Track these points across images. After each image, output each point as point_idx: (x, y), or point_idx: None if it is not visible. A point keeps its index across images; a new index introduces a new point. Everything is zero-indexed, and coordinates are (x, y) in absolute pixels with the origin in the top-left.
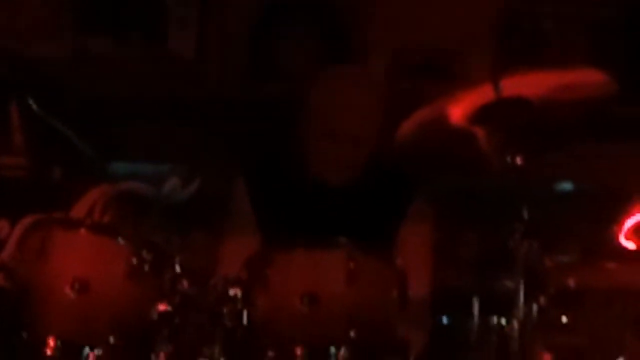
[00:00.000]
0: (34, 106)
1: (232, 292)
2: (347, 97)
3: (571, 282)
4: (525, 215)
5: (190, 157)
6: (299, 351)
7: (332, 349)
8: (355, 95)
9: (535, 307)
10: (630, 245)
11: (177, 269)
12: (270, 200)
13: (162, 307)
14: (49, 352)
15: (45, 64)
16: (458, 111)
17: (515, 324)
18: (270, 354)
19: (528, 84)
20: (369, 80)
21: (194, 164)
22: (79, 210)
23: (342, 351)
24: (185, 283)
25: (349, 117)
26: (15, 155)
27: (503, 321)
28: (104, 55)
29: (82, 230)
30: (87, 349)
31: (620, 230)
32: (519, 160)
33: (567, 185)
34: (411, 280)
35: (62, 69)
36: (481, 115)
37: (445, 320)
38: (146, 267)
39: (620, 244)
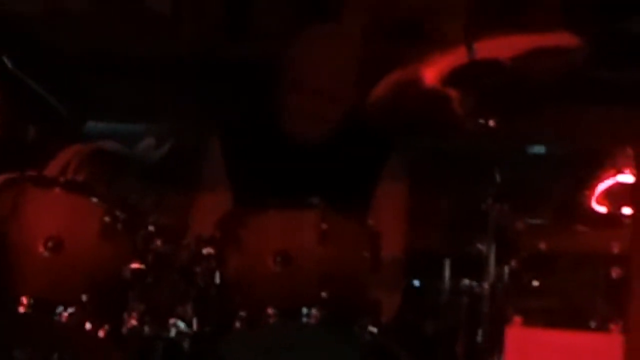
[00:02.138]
0: (8, 64)
1: (205, 251)
2: (320, 52)
3: (543, 246)
4: (498, 178)
5: (165, 116)
6: (270, 311)
7: (304, 309)
8: (329, 50)
9: (506, 270)
10: (602, 209)
11: (151, 228)
12: (244, 159)
13: (135, 265)
14: (22, 310)
15: (19, 21)
16: (432, 73)
17: (487, 287)
18: (242, 313)
19: (502, 47)
20: (344, 37)
21: (168, 123)
22: (52, 169)
23: (314, 311)
24: (158, 242)
25: (321, 70)
26: None
27: (474, 284)
28: (80, 12)
29: (56, 189)
30: (60, 307)
31: (592, 194)
32: (492, 123)
33: (539, 148)
34: (385, 242)
35: (37, 26)
36: (454, 77)
37: (416, 283)
38: (119, 226)
39: (591, 208)
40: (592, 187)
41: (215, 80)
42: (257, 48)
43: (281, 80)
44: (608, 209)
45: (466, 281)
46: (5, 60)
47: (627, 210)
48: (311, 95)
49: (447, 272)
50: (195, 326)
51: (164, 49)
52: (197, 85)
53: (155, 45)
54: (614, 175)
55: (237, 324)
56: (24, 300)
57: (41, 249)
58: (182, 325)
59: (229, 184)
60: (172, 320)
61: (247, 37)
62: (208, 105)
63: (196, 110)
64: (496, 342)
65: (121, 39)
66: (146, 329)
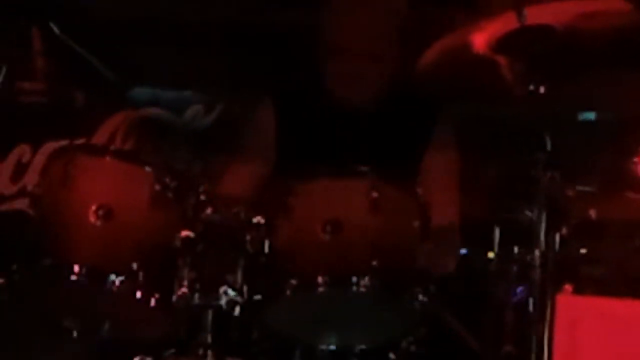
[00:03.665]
0: (56, 30)
1: (255, 219)
2: (358, 14)
3: (592, 213)
4: (548, 145)
5: (213, 83)
6: (320, 279)
7: (355, 278)
8: (367, 12)
9: (557, 238)
10: None
11: (201, 196)
12: (295, 127)
13: (185, 234)
14: (74, 278)
15: None
16: (481, 39)
17: (537, 255)
18: (293, 281)
19: (551, 12)
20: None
21: (216, 91)
22: (101, 136)
23: (365, 280)
24: (208, 210)
25: (361, 32)
26: (37, 80)
27: (524, 252)
28: None
29: (106, 158)
30: (111, 276)
31: None
32: (541, 89)
33: (589, 115)
34: (438, 210)
35: None
36: (504, 43)
37: (464, 251)
38: (169, 194)
39: None
40: None
41: (264, 47)
42: (307, 14)
43: (322, 45)
44: None
45: (516, 249)
46: (53, 26)
47: None
48: (352, 57)
49: (497, 240)
50: (245, 294)
51: (213, 15)
52: (246, 53)
53: (204, 11)
54: None
55: (287, 292)
56: (76, 268)
57: (92, 217)
58: (232, 293)
59: (274, 152)
60: (222, 289)
61: (296, 3)
62: (256, 73)
63: (244, 77)
64: (547, 310)
65: (168, 5)
66: (196, 297)
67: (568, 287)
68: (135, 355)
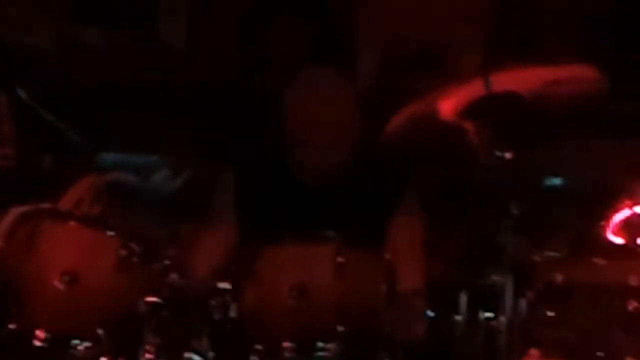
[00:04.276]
0: (23, 96)
1: (220, 284)
2: (316, 105)
3: (559, 278)
4: (514, 210)
5: (180, 148)
6: (287, 344)
7: (321, 343)
8: (326, 103)
9: (523, 302)
10: (618, 240)
11: (166, 261)
12: (257, 192)
13: (150, 299)
14: (37, 343)
15: (35, 53)
16: (448, 105)
17: (503, 320)
18: (259, 347)
19: (519, 79)
20: (343, 83)
21: (184, 155)
22: (67, 200)
23: (331, 345)
24: (174, 275)
25: (320, 125)
26: (4, 144)
27: (491, 316)
28: (95, 46)
29: (72, 222)
30: (76, 341)
31: (608, 225)
32: (508, 155)
33: (556, 181)
34: (403, 275)
35: (52, 59)
36: (471, 109)
37: (431, 314)
38: (135, 259)
39: (608, 240)
40: (608, 219)
41: (230, 112)
42: (272, 80)
43: (284, 130)
44: (625, 240)
45: (482, 314)
46: (20, 92)
47: None
48: (315, 149)
49: (463, 305)
50: None
51: (179, 81)
52: (212, 117)
53: (170, 77)
54: (631, 206)
55: (253, 358)
56: (40, 334)
57: (57, 282)
58: (197, 359)
59: (237, 217)
60: (187, 354)
61: (262, 69)
62: (223, 138)
63: (210, 143)
64: None
65: (136, 71)
66: None
67: (534, 352)
68: None
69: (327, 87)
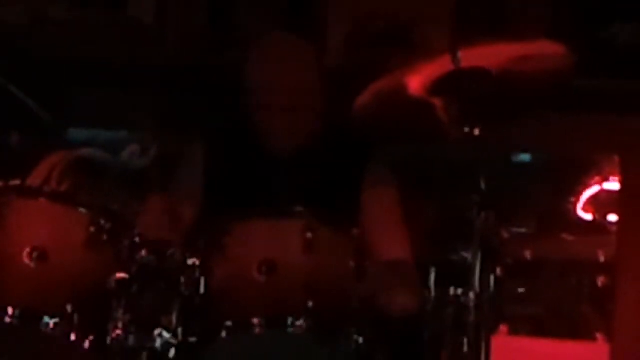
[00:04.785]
0: None
1: (190, 261)
2: (278, 67)
3: (528, 254)
4: (483, 186)
5: (149, 123)
6: (256, 320)
7: (290, 319)
8: (288, 65)
9: (492, 278)
10: (587, 216)
11: (136, 237)
12: (228, 167)
13: (119, 275)
14: (7, 320)
15: (2, 28)
16: (416, 81)
17: (472, 296)
18: (228, 323)
19: (487, 55)
20: (304, 48)
21: (153, 131)
22: (36, 177)
23: (300, 321)
24: (143, 252)
25: (282, 87)
26: None
27: (459, 293)
28: (63, 20)
29: (41, 199)
30: (45, 318)
31: (577, 201)
32: (476, 131)
33: (524, 157)
34: (386, 246)
35: (19, 33)
36: (439, 85)
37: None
38: (104, 236)
39: (577, 216)
40: (578, 195)
41: (199, 88)
42: (240, 56)
43: (247, 96)
44: (594, 216)
45: (451, 290)
46: None
47: (613, 218)
48: (277, 112)
49: (432, 281)
50: (180, 336)
51: (147, 56)
52: (181, 93)
53: (138, 52)
54: (600, 182)
55: (223, 334)
56: (10, 310)
57: (26, 259)
58: (167, 335)
59: (200, 190)
60: (157, 331)
61: (230, 45)
62: (192, 113)
63: (180, 117)
64: (482, 351)
65: (104, 47)
66: (131, 339)
67: (504, 328)
68: None
69: (289, 49)
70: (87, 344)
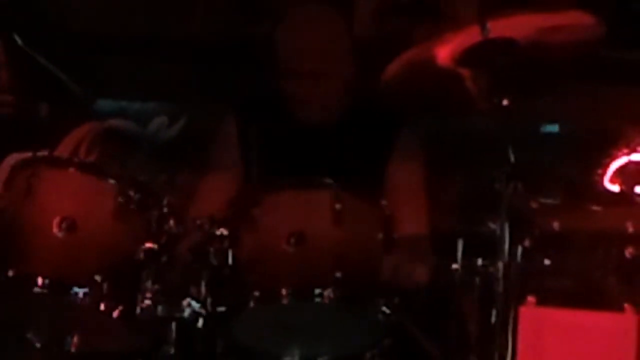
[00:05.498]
0: (20, 42)
1: (218, 231)
2: (308, 35)
3: (556, 225)
4: (511, 157)
5: (178, 95)
6: (284, 291)
7: (318, 289)
8: (317, 33)
9: (520, 249)
10: (614, 188)
11: (164, 208)
12: (258, 139)
13: (148, 246)
14: (37, 290)
15: (34, 1)
16: (445, 52)
17: (500, 267)
18: (256, 293)
19: (515, 26)
20: (333, 17)
21: (182, 102)
22: (65, 147)
23: (328, 291)
24: (171, 222)
25: (310, 54)
26: (1, 92)
27: (488, 264)
28: None
29: (70, 170)
30: (75, 288)
31: (604, 173)
32: (505, 102)
33: (552, 128)
34: (405, 220)
35: (48, 5)
36: (468, 56)
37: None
38: (133, 206)
39: (604, 187)
40: (605, 166)
41: (229, 59)
42: (270, 26)
43: (278, 65)
44: (621, 188)
45: (479, 261)
46: (17, 38)
47: None
48: (304, 79)
49: (460, 252)
50: (208, 306)
51: (177, 28)
52: (210, 65)
53: (169, 24)
54: (627, 154)
55: (251, 304)
56: (40, 280)
57: (55, 229)
58: (195, 305)
59: (240, 163)
60: (185, 301)
61: (260, 16)
62: (220, 85)
63: (209, 89)
64: (510, 322)
65: (134, 19)
66: (160, 309)
67: (531, 299)
68: None
69: (318, 18)
70: (116, 314)
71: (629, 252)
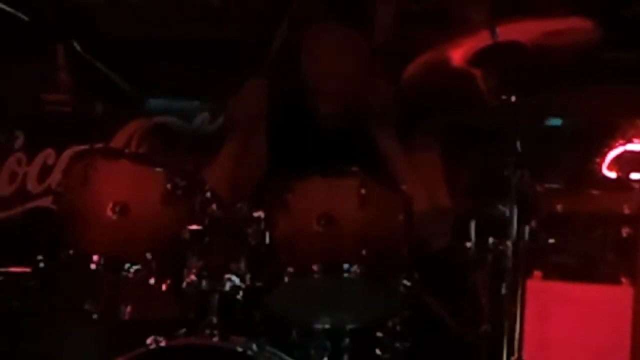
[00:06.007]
0: (78, 48)
1: (255, 214)
2: (330, 57)
3: (559, 208)
4: (519, 147)
5: (219, 94)
6: (315, 267)
7: (346, 265)
8: (339, 54)
9: (527, 229)
10: (612, 174)
11: (207, 193)
12: (289, 133)
13: (193, 227)
14: (93, 267)
15: (86, 10)
16: (458, 54)
17: (509, 245)
18: (290, 269)
19: (521, 30)
20: (352, 37)
21: (222, 100)
22: (118, 141)
23: (355, 267)
24: (214, 206)
25: (333, 76)
26: (62, 92)
27: (498, 242)
28: (138, 3)
29: (122, 160)
30: (127, 265)
31: (602, 161)
32: (513, 99)
33: (556, 121)
34: (431, 195)
35: (98, 15)
36: (479, 57)
37: None
38: (179, 192)
39: (602, 174)
40: (603, 155)
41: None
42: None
43: (302, 78)
44: (618, 174)
45: (491, 240)
46: (76, 44)
47: (635, 176)
48: (327, 97)
49: (473, 232)
50: (247, 281)
51: (216, 33)
52: (248, 65)
53: (208, 30)
54: (623, 144)
55: (285, 279)
56: (95, 258)
57: (109, 213)
58: (236, 279)
59: (266, 155)
60: (227, 276)
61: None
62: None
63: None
64: (518, 293)
65: (175, 25)
66: (204, 283)
67: (538, 273)
68: (150, 336)
69: (339, 39)
70: (164, 287)
71: (625, 231)
